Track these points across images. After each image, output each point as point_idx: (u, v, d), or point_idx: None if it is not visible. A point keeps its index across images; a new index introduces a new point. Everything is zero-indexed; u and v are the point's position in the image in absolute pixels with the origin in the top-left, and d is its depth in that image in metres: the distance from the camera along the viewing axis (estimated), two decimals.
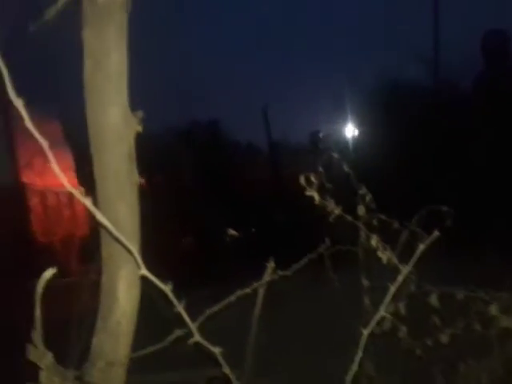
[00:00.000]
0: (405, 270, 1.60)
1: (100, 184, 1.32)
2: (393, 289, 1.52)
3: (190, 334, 1.14)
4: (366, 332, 1.40)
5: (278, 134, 16.80)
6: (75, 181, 11.48)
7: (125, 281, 1.30)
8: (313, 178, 2.08)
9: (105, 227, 1.04)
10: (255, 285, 2.12)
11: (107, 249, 1.32)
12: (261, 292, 2.38)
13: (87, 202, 1.00)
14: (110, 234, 1.04)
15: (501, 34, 12.94)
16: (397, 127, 13.36)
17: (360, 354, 1.40)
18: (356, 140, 16.25)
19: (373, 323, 1.43)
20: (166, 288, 1.01)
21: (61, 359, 1.36)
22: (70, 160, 11.32)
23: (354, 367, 1.41)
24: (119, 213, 1.28)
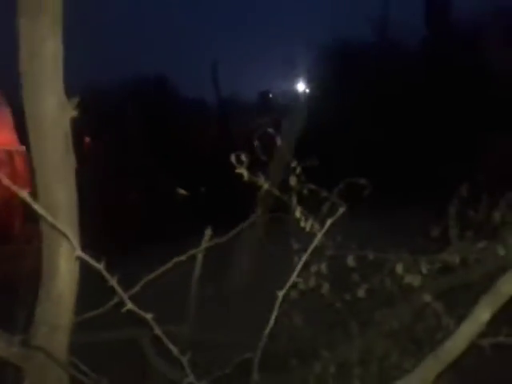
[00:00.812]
0: (318, 236, 1.84)
1: (38, 169, 1.43)
2: (306, 254, 1.77)
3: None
4: (280, 294, 1.64)
5: (227, 91, 16.69)
6: (15, 139, 11.07)
7: (65, 256, 1.44)
8: (243, 157, 2.20)
9: (41, 214, 1.17)
10: (193, 251, 2.28)
11: (47, 228, 1.45)
12: (199, 257, 2.56)
13: (22, 193, 1.11)
14: (47, 220, 1.18)
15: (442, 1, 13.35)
16: (344, 86, 13.65)
17: (275, 311, 1.64)
18: (306, 98, 16.47)
19: (287, 286, 1.67)
20: (100, 266, 1.17)
21: (6, 325, 1.50)
22: (9, 119, 10.84)
23: (271, 323, 1.66)
24: (57, 196, 1.41)
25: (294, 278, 1.66)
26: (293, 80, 16.51)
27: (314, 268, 2.54)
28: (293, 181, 2.70)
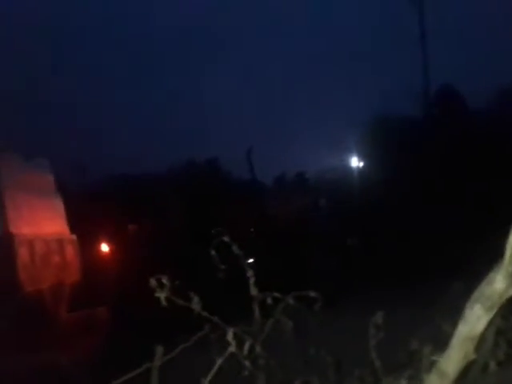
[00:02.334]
0: None
1: None
2: None
3: None
4: None
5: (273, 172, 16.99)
6: (67, 228, 11.67)
7: None
8: (164, 280, 2.27)
9: None
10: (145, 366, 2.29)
11: None
12: (154, 374, 2.53)
13: None
14: None
15: (451, 88, 13.83)
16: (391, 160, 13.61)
17: None
18: (358, 174, 16.49)
19: None
20: None
21: None
22: (61, 209, 11.52)
23: None
24: None
25: None
26: (338, 158, 16.64)
27: None
28: (253, 290, 2.74)
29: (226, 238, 3.05)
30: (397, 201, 10.90)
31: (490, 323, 2.51)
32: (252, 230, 13.08)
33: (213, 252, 3.21)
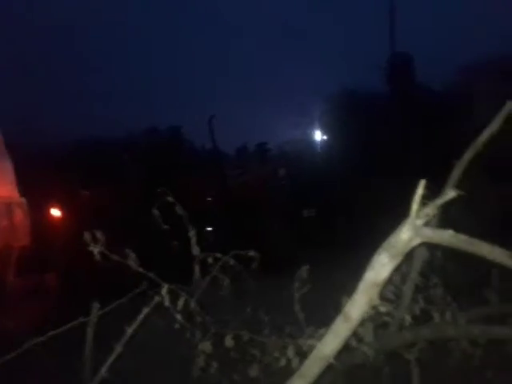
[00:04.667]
0: None
1: None
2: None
3: None
4: None
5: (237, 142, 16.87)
6: (16, 191, 11.20)
7: None
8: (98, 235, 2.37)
9: None
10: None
11: None
12: (90, 330, 2.54)
13: None
14: None
15: (404, 57, 13.99)
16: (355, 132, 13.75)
17: None
18: (320, 147, 16.58)
19: None
20: None
21: None
22: (10, 171, 11.02)
23: None
24: None
25: None
26: (305, 130, 16.67)
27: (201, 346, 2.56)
28: (196, 250, 2.88)
29: (170, 199, 3.10)
30: (353, 175, 11.09)
31: (410, 280, 2.60)
32: (209, 199, 13.06)
33: (155, 211, 3.18)
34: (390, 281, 2.91)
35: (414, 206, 1.76)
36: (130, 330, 2.36)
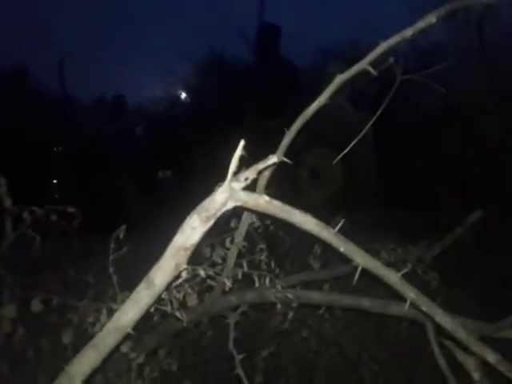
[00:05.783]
0: None
1: None
2: None
3: None
4: None
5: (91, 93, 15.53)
6: None
7: None
8: None
9: None
10: None
11: None
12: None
13: None
14: None
15: (273, 28, 14.57)
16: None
17: None
18: (182, 109, 16.12)
19: None
20: None
21: None
22: None
23: None
24: None
25: None
26: (168, 89, 16.11)
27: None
28: (8, 202, 2.57)
29: None
30: (207, 138, 11.06)
31: (234, 245, 2.59)
32: (57, 148, 11.85)
33: None
34: (220, 244, 2.88)
35: (231, 167, 1.65)
36: None
